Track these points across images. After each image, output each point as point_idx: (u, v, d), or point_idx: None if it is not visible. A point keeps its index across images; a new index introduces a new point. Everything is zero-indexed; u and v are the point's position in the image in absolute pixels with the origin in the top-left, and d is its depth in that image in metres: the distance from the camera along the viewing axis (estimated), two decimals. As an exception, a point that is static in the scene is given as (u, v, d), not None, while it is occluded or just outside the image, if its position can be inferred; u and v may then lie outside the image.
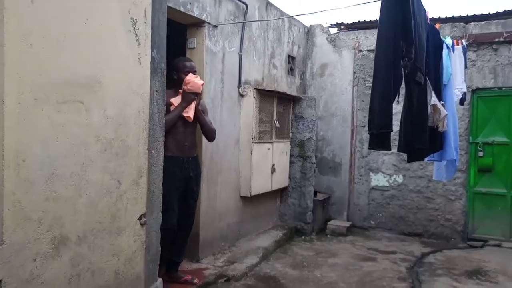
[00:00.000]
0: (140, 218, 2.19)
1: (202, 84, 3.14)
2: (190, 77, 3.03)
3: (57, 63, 1.71)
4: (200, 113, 3.20)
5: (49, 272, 1.72)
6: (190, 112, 3.09)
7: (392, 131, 2.39)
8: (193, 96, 3.07)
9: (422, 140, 2.71)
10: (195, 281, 3.24)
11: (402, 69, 2.48)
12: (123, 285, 2.10)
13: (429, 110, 2.77)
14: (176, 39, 4.01)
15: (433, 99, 2.79)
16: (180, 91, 3.09)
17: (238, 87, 4.39)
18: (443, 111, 2.82)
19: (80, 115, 1.81)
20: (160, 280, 2.45)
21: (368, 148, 2.73)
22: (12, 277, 1.57)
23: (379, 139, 2.49)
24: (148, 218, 2.26)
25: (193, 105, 3.11)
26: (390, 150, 2.65)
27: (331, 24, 6.39)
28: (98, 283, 1.96)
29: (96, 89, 1.88)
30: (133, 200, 2.13)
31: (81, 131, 1.82)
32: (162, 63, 2.34)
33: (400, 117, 2.85)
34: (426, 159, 3.34)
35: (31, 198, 1.63)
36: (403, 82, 2.57)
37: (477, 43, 5.21)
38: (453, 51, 3.32)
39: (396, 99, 2.42)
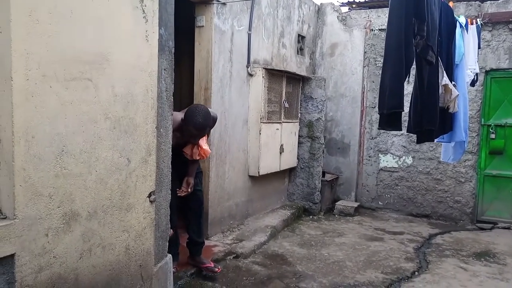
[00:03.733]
0: (149, 196, 2.21)
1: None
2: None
3: (65, 39, 1.70)
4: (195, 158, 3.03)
5: (61, 246, 1.75)
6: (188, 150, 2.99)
7: (403, 111, 2.35)
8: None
9: (432, 121, 2.66)
10: (216, 269, 3.21)
11: (414, 47, 2.42)
12: (133, 260, 2.14)
13: (440, 90, 2.71)
14: (185, 18, 3.97)
15: (444, 79, 2.72)
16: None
17: (247, 67, 4.36)
18: (455, 92, 2.75)
19: (88, 92, 1.81)
20: (169, 256, 2.49)
21: (378, 128, 2.69)
22: (25, 251, 1.61)
23: (389, 119, 2.45)
24: (157, 195, 2.29)
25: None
26: (401, 130, 2.62)
27: (342, 3, 6.27)
28: (109, 258, 2.00)
29: (104, 66, 1.87)
30: (142, 178, 2.15)
31: (89, 109, 1.83)
32: (170, 41, 2.32)
33: (410, 98, 2.80)
34: (435, 140, 3.30)
35: (42, 174, 1.65)
36: (414, 62, 2.51)
37: (492, 22, 5.07)
38: (467, 31, 3.22)
39: (407, 78, 2.36)
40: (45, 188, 1.67)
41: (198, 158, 2.98)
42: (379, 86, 2.48)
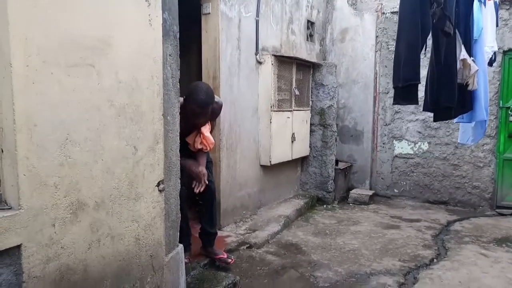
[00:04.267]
0: (158, 185, 2.16)
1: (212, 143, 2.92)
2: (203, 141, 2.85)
3: (64, 24, 1.65)
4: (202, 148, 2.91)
5: (68, 237, 1.72)
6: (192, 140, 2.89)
7: (419, 83, 2.23)
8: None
9: (450, 97, 2.51)
10: (229, 260, 3.15)
11: (430, 17, 2.26)
12: (143, 250, 2.10)
13: (458, 65, 2.56)
14: (193, 6, 3.89)
15: (462, 53, 2.57)
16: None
17: (256, 54, 4.27)
18: (474, 66, 2.60)
19: (91, 79, 1.76)
20: (181, 246, 2.45)
21: (393, 104, 2.54)
22: (32, 242, 1.58)
23: (405, 93, 2.30)
24: (166, 184, 2.24)
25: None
26: (417, 104, 2.47)
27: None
28: (119, 248, 1.96)
29: (106, 52, 1.82)
30: (150, 167, 2.10)
31: (93, 96, 1.78)
32: (175, 26, 2.25)
33: (426, 74, 2.65)
34: (454, 120, 3.15)
35: (46, 163, 1.61)
36: (430, 33, 2.36)
37: (510, 0, 4.86)
38: (485, 5, 3.06)
39: (423, 50, 2.23)
40: (50, 178, 1.63)
41: (200, 147, 2.87)
42: (392, 62, 2.35)
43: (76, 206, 1.74)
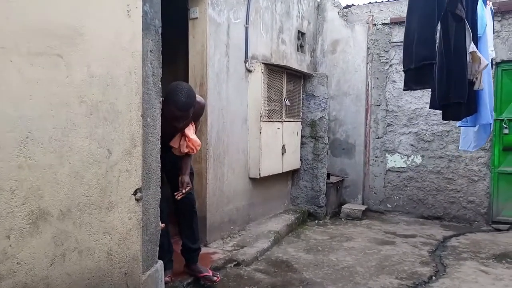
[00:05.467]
0: (135, 193, 1.94)
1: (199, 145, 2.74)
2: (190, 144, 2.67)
3: (29, 7, 1.46)
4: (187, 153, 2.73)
5: (26, 251, 1.49)
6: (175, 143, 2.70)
7: (435, 62, 2.01)
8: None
9: (461, 92, 2.29)
10: (215, 278, 2.91)
11: None
12: (117, 267, 1.87)
13: (468, 58, 2.39)
14: (181, 13, 3.75)
15: (472, 45, 2.41)
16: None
17: (245, 62, 4.12)
18: (484, 61, 2.43)
19: (58, 70, 1.57)
20: (160, 262, 2.21)
21: (403, 89, 2.27)
22: (-20, 256, 1.35)
23: (418, 75, 2.05)
24: (144, 193, 2.02)
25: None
26: (433, 87, 2.22)
27: (342, -2, 6.04)
28: (87, 265, 1.73)
29: (77, 42, 1.63)
30: (126, 173, 1.89)
31: (60, 90, 1.58)
32: (156, 20, 2.08)
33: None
34: (457, 124, 2.97)
35: (1, 164, 1.40)
36: (440, 20, 2.14)
37: (502, 11, 4.84)
38: (485, 7, 2.94)
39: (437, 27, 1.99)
40: (6, 181, 1.42)
41: (187, 151, 2.66)
42: (402, 43, 2.11)
43: (37, 215, 1.52)
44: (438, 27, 2.23)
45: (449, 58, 2.30)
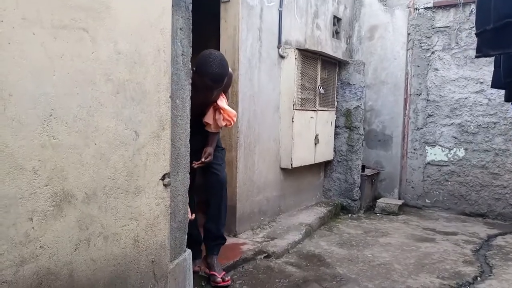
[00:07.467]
0: (163, 178, 1.85)
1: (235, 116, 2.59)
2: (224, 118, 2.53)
3: (52, -24, 1.38)
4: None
5: (50, 234, 1.42)
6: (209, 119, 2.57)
7: None
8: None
9: None
10: (219, 280, 2.60)
11: None
12: (143, 254, 1.79)
13: None
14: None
15: None
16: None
17: (278, 47, 3.96)
18: None
19: (84, 45, 1.48)
20: (189, 251, 2.13)
21: (475, 57, 1.99)
22: (1, 238, 1.29)
23: (498, 36, 1.76)
24: (173, 178, 1.93)
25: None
26: None
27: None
28: (113, 251, 1.65)
29: (103, 16, 1.54)
30: (154, 156, 1.80)
31: (85, 67, 1.49)
32: (187, -4, 1.97)
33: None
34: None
35: (23, 142, 1.33)
36: None
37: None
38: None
39: None
40: (28, 161, 1.34)
41: (224, 124, 2.51)
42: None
43: (61, 197, 1.45)
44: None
45: None
